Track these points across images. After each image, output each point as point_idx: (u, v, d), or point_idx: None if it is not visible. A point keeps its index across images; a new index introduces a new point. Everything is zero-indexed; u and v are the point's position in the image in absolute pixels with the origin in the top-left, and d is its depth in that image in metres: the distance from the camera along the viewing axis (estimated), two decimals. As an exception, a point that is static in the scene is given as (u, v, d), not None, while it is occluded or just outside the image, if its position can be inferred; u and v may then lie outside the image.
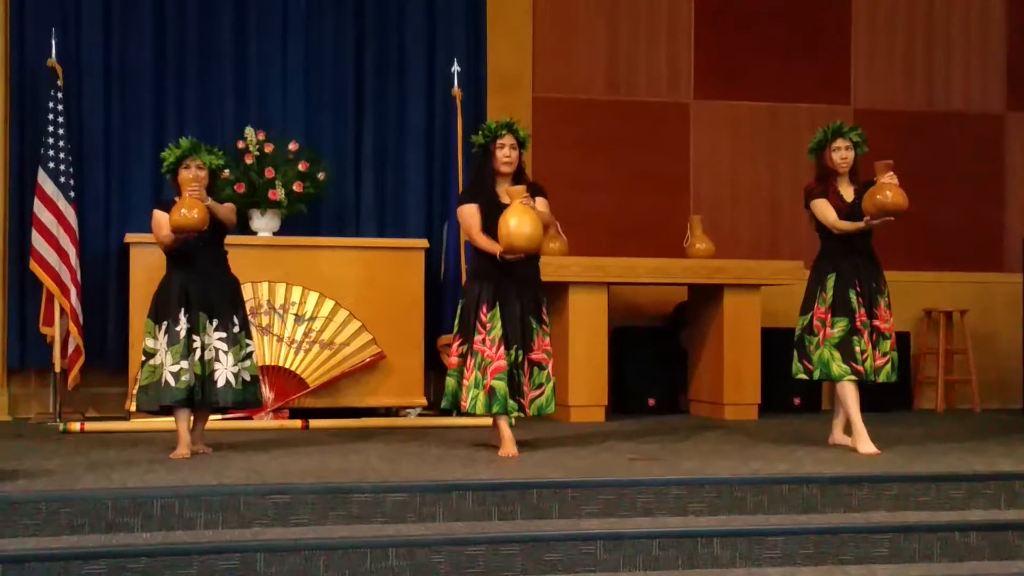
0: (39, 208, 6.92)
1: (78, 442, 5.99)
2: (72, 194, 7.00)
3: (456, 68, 7.61)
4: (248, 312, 5.70)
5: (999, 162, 8.81)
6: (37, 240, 6.90)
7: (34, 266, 6.89)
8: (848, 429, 5.79)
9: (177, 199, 5.35)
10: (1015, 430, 6.83)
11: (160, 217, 5.41)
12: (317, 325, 6.98)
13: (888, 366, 5.74)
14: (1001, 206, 8.79)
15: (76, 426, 6.45)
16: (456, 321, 5.64)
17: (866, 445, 5.59)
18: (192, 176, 5.32)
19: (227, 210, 5.49)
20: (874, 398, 6.87)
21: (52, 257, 6.89)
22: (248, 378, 5.48)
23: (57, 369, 6.97)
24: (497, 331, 5.44)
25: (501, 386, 5.40)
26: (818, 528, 4.54)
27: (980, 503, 4.85)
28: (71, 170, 7.01)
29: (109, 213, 7.37)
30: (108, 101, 7.40)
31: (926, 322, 8.44)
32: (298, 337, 6.94)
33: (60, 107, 7.01)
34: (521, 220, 5.29)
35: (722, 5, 8.43)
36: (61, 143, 6.98)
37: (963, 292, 8.49)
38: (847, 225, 5.70)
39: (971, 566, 4.50)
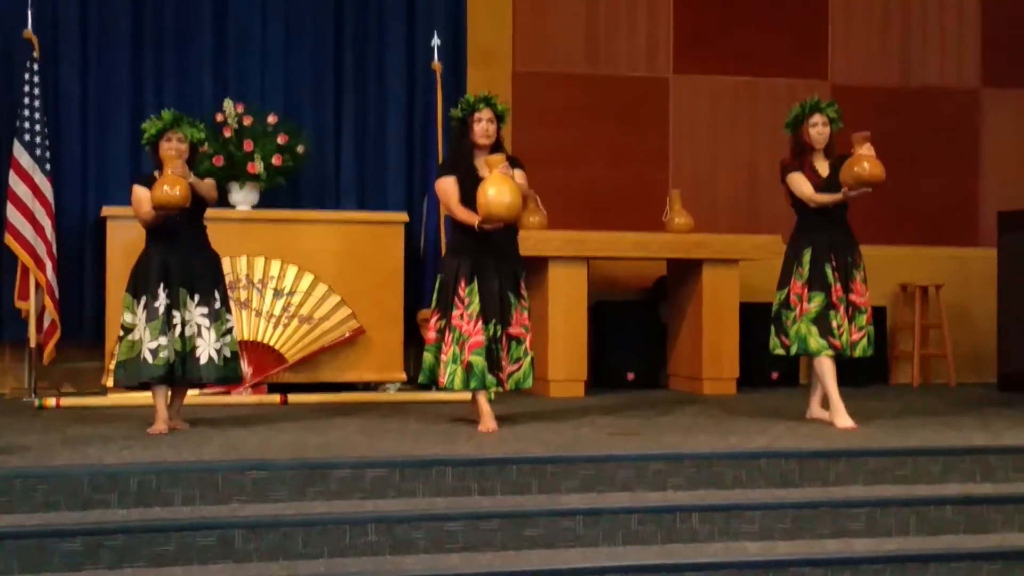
0: (14, 181, 6.85)
1: (54, 418, 5.96)
2: (48, 167, 6.92)
3: (436, 41, 7.56)
4: (227, 286, 5.68)
5: (974, 137, 8.84)
6: (12, 213, 6.83)
7: (9, 240, 6.82)
8: (826, 403, 5.83)
9: (157, 174, 5.31)
10: (990, 404, 6.89)
11: (140, 193, 5.36)
12: (296, 299, 6.96)
13: (864, 340, 5.77)
14: (976, 181, 8.82)
15: (52, 401, 6.42)
16: (434, 296, 5.63)
17: (843, 419, 5.63)
18: (175, 152, 5.27)
19: (208, 186, 5.45)
20: (851, 372, 6.92)
21: (27, 230, 6.82)
22: (229, 354, 5.46)
23: (32, 344, 6.92)
24: (475, 306, 5.44)
25: (479, 361, 5.40)
26: (796, 503, 4.57)
27: (956, 477, 4.89)
28: (47, 143, 6.94)
29: (86, 186, 7.30)
30: (85, 73, 7.32)
31: (902, 297, 8.48)
32: (277, 312, 6.92)
33: (36, 79, 6.92)
34: (500, 189, 5.26)
35: (701, -21, 8.42)
36: (37, 115, 6.90)
37: (939, 267, 8.53)
38: (824, 198, 5.71)
39: (947, 540, 4.55)
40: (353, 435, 5.30)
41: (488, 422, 5.49)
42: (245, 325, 6.83)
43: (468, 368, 5.40)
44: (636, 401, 6.87)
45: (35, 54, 6.95)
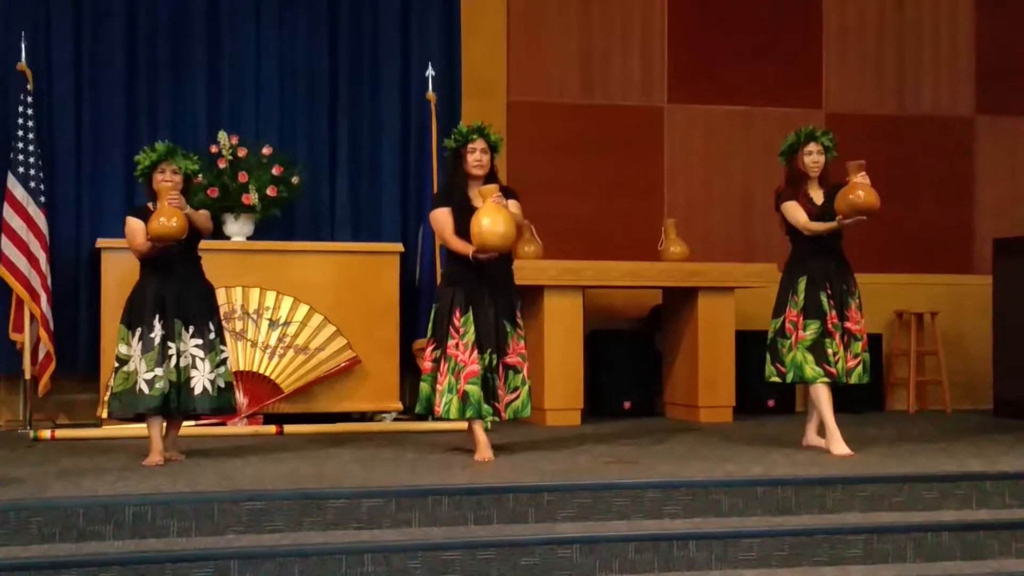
0: (8, 213, 6.86)
1: (49, 450, 5.94)
2: (42, 199, 6.94)
3: (430, 72, 7.60)
4: (222, 317, 5.68)
5: (969, 165, 8.88)
6: (7, 245, 6.84)
7: (3, 272, 6.83)
8: (822, 431, 5.82)
9: (151, 205, 5.32)
10: (985, 431, 6.89)
11: (135, 225, 5.36)
12: (291, 330, 6.95)
13: (860, 367, 5.78)
14: (971, 209, 8.85)
15: (47, 433, 6.40)
16: (430, 325, 5.63)
17: (839, 446, 5.62)
18: (171, 184, 5.29)
19: (204, 217, 5.47)
20: (846, 400, 6.93)
21: (22, 263, 6.83)
22: (223, 384, 5.45)
23: (27, 376, 6.91)
24: (470, 335, 5.44)
25: (475, 390, 5.39)
26: (793, 530, 4.57)
27: (952, 503, 4.89)
28: (41, 175, 6.95)
29: (80, 218, 7.31)
30: (79, 105, 7.34)
31: (897, 324, 8.49)
32: (272, 342, 6.91)
33: (30, 111, 6.95)
34: (494, 219, 5.27)
35: (695, 10, 8.46)
36: (31, 147, 6.92)
37: (934, 294, 8.55)
38: (818, 226, 5.73)
39: (943, 566, 4.54)
40: (349, 465, 5.29)
41: (484, 451, 5.48)
42: (241, 356, 6.82)
43: (464, 397, 5.40)
44: (632, 429, 6.86)
45: (29, 87, 6.98)
